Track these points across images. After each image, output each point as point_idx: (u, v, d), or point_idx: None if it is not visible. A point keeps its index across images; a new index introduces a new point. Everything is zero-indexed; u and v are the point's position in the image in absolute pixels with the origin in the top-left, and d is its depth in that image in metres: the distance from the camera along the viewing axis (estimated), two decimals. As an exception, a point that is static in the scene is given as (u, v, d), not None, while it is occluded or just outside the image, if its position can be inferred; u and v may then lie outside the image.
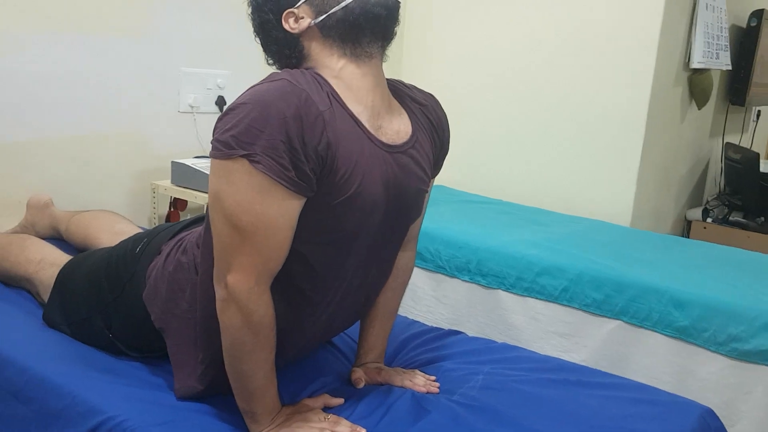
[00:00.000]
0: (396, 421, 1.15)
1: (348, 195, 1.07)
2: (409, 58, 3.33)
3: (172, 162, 2.30)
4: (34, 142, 2.09)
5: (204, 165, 2.23)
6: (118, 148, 2.30)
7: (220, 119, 1.03)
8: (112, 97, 2.25)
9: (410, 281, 2.51)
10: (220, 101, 2.53)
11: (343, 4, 1.08)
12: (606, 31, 2.79)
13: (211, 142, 1.03)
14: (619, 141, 2.81)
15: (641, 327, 1.93)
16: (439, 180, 3.26)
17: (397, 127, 1.18)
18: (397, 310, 1.40)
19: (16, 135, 2.05)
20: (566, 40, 2.89)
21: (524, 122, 3.04)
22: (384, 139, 1.14)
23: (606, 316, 2.00)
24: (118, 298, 1.32)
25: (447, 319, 2.30)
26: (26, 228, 1.90)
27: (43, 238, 1.85)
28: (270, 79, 1.04)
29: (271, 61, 1.19)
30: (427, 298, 2.36)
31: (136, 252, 1.34)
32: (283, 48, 1.15)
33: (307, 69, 1.11)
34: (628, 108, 2.77)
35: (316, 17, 1.10)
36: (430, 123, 1.27)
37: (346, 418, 1.14)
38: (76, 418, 1.12)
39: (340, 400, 1.21)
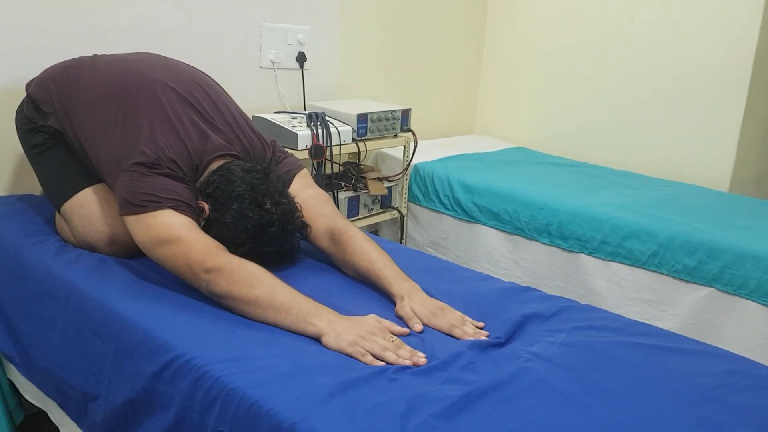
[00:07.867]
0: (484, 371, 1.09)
1: None
2: (493, 18, 3.20)
3: (253, 116, 2.29)
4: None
5: (284, 120, 2.21)
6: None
7: None
8: (195, 52, 2.25)
9: (487, 243, 2.43)
10: (301, 57, 2.49)
11: None
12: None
13: None
14: (718, 99, 2.63)
15: (736, 295, 1.84)
16: (519, 142, 3.16)
17: None
18: (374, 249, 1.41)
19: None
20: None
21: (612, 79, 2.89)
22: None
23: (697, 283, 1.91)
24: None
25: (524, 282, 2.25)
26: None
27: None
28: None
29: None
30: (503, 261, 2.31)
31: None
32: None
33: None
34: (730, 63, 2.58)
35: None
36: None
37: None
38: (148, 355, 1.13)
39: (406, 330, 1.20)
